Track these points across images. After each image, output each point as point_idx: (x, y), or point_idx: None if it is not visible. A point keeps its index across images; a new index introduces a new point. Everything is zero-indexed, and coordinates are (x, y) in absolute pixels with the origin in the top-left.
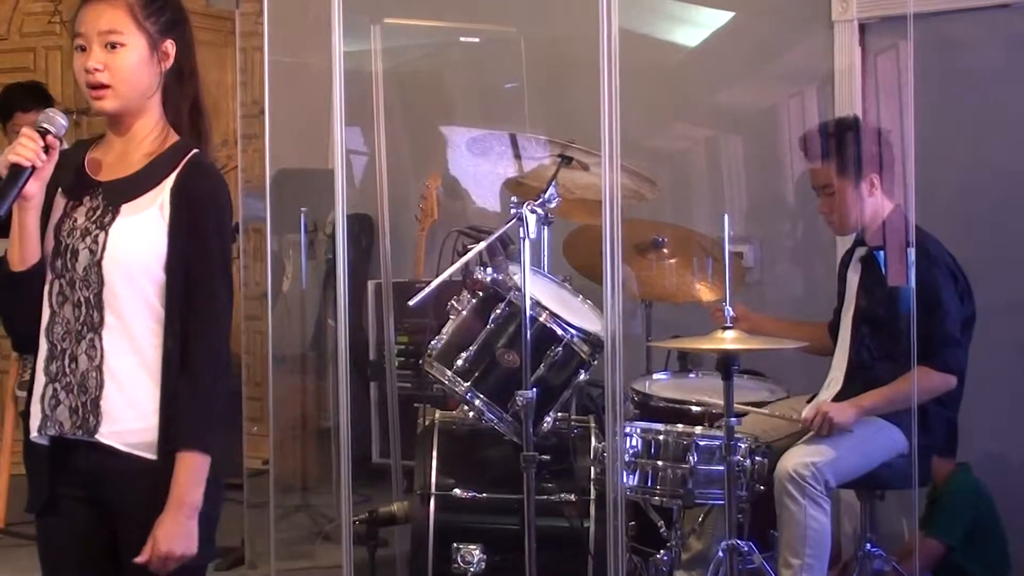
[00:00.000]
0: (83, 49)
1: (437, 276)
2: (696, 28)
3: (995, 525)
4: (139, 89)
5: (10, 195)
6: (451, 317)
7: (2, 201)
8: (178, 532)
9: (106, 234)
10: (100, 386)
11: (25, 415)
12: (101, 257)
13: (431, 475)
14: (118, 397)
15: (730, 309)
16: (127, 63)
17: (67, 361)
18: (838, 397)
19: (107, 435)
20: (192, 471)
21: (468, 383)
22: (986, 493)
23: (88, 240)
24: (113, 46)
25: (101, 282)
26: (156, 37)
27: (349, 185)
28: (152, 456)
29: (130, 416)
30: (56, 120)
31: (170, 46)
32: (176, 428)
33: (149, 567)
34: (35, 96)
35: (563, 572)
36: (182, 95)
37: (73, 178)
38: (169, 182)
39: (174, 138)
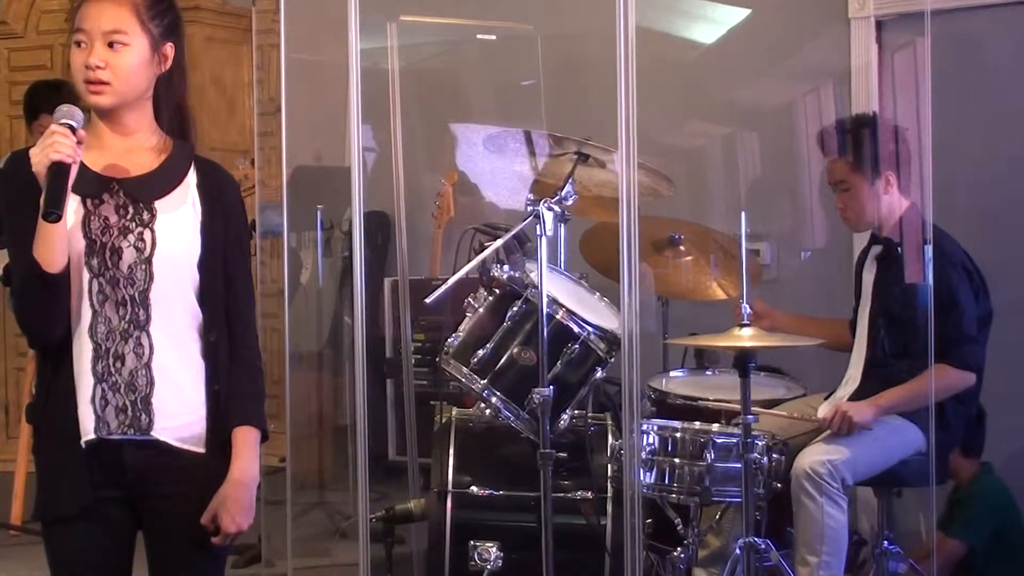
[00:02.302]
0: (82, 45)
1: (454, 274)
2: (713, 25)
3: (1019, 527)
4: (137, 89)
5: (63, 195)
6: (468, 315)
7: (59, 202)
8: (245, 505)
9: (152, 232)
10: (150, 383)
11: (39, 417)
12: (151, 254)
13: (448, 472)
14: (168, 393)
15: (747, 306)
16: (129, 63)
17: (112, 360)
18: (856, 395)
19: (160, 431)
20: (252, 445)
21: (485, 380)
22: (1010, 495)
23: (132, 238)
24: (116, 45)
25: (150, 279)
26: (158, 39)
27: (365, 182)
28: (200, 449)
29: (181, 411)
30: (77, 114)
31: (170, 49)
32: (233, 408)
33: (215, 545)
34: (61, 95)
35: (580, 570)
36: (169, 95)
37: (79, 176)
38: (191, 179)
39: (170, 138)
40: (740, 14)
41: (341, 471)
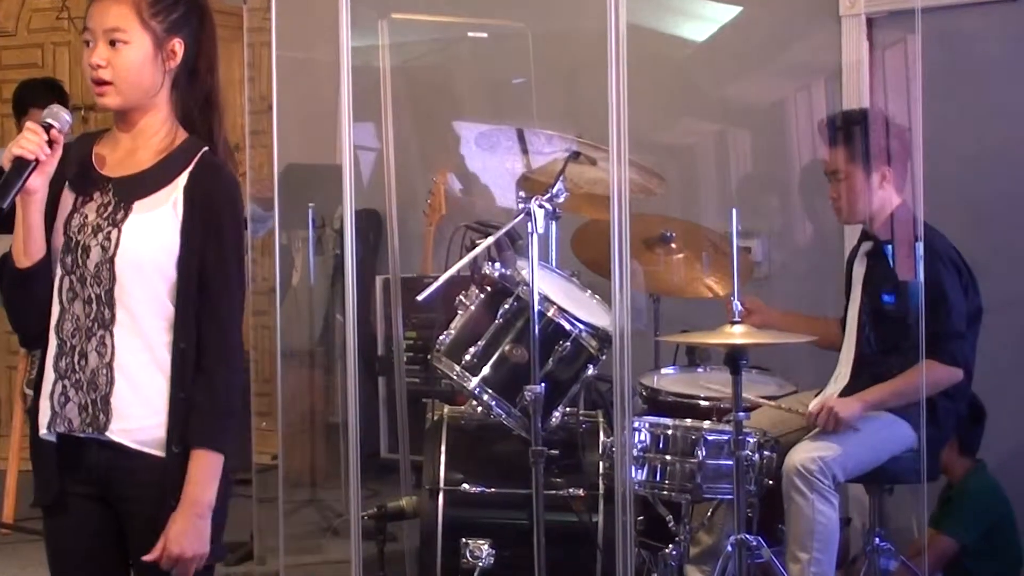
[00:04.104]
0: (89, 44)
1: (445, 271)
2: (704, 23)
3: (1011, 525)
4: (142, 87)
5: (13, 188)
6: (459, 312)
7: (5, 194)
8: (191, 532)
9: (119, 231)
10: (110, 383)
11: (33, 412)
12: (114, 254)
13: (440, 470)
14: (128, 394)
15: (739, 304)
16: (129, 61)
17: (76, 358)
18: (845, 391)
19: (117, 432)
20: (206, 470)
21: (476, 378)
22: (1002, 492)
23: (100, 237)
24: (116, 43)
25: (113, 279)
26: (162, 36)
27: (357, 180)
28: (159, 453)
29: (140, 413)
30: (60, 116)
31: (177, 45)
32: (190, 426)
33: (160, 566)
34: (50, 92)
35: (572, 567)
36: (193, 93)
37: (80, 173)
38: (182, 180)
39: (183, 136)
40: (731, 11)
41: (333, 469)
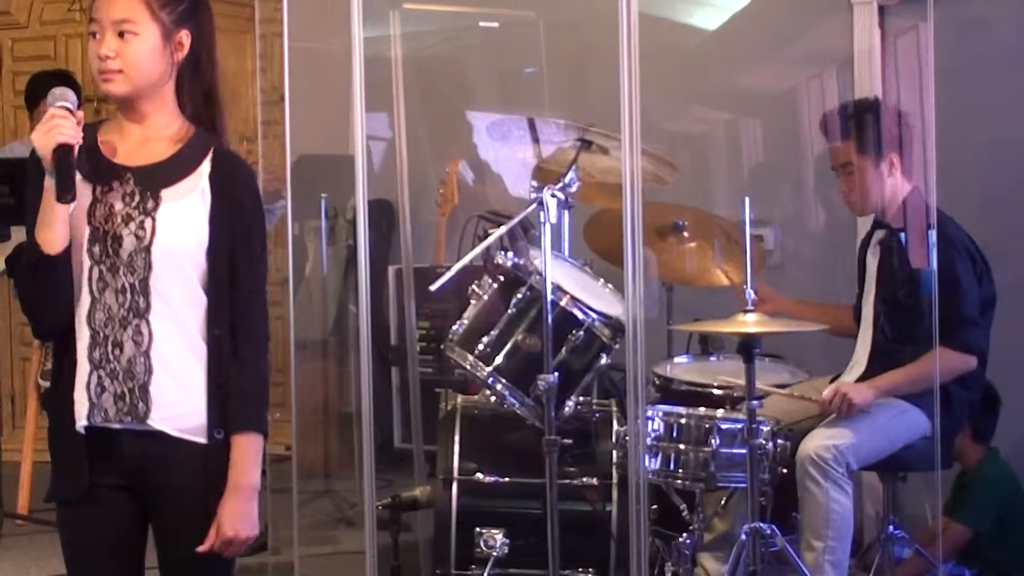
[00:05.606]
0: (96, 35)
1: (458, 261)
2: (715, 11)
3: None
4: (151, 78)
5: (72, 175)
6: (472, 302)
7: (67, 186)
8: (242, 514)
9: (153, 220)
10: (148, 371)
11: (50, 403)
12: (151, 243)
13: (453, 460)
14: (168, 382)
15: (752, 292)
16: (139, 52)
17: (111, 347)
18: (861, 379)
19: (158, 421)
20: (251, 453)
21: (490, 367)
22: (1016, 479)
23: (133, 226)
24: (125, 34)
25: (148, 267)
26: (170, 27)
27: (369, 170)
28: (201, 439)
29: (181, 400)
30: (70, 96)
31: (185, 36)
32: (233, 411)
33: (215, 550)
34: (63, 84)
35: (585, 556)
36: (196, 85)
37: (92, 163)
38: (204, 169)
39: (193, 128)
40: (742, 0)
41: (347, 459)
